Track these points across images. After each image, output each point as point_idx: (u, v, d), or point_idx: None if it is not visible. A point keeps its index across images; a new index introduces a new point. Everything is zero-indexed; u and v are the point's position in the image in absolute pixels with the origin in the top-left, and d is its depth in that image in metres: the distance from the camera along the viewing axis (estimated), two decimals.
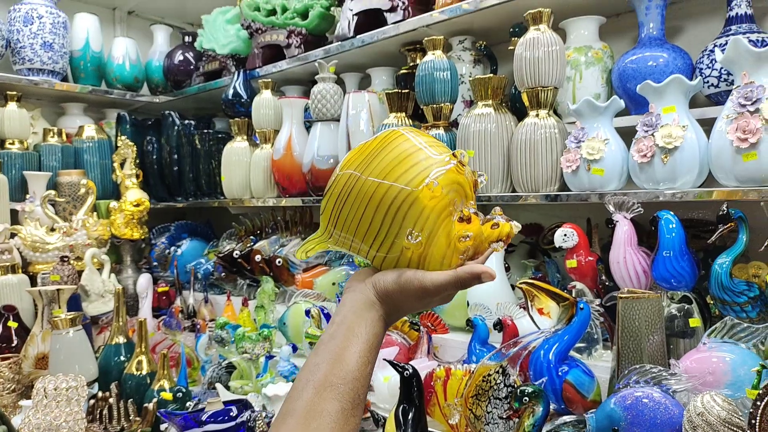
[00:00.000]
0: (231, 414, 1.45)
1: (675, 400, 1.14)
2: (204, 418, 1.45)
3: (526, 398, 1.25)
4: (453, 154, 0.79)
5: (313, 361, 0.70)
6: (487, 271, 0.72)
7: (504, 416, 1.32)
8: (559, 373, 1.34)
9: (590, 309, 1.39)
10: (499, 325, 1.54)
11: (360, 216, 0.77)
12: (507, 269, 1.75)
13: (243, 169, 2.59)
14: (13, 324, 2.24)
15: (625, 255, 1.42)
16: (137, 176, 2.89)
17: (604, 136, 1.49)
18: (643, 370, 1.18)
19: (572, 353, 1.43)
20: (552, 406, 1.36)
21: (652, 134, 1.38)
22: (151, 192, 3.07)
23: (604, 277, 1.50)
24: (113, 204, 2.85)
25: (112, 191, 3.01)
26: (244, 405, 1.50)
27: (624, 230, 1.44)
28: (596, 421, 1.19)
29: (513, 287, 1.77)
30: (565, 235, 1.52)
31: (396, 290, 0.74)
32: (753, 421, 1.05)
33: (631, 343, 1.28)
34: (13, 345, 2.22)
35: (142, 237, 2.87)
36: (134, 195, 2.82)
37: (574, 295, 1.45)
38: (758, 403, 1.05)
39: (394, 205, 0.74)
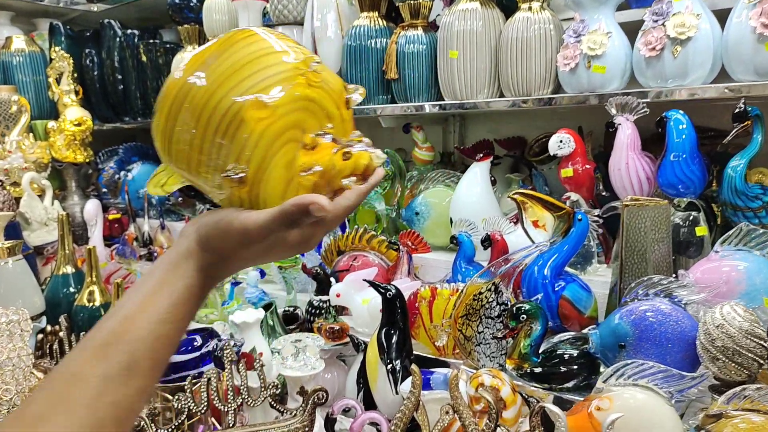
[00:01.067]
0: (195, 344, 1.31)
1: (687, 313, 1.05)
2: None
3: (523, 316, 1.15)
4: (307, 60, 0.61)
5: (104, 316, 0.59)
6: (315, 201, 0.55)
7: (498, 336, 1.22)
8: (555, 289, 1.24)
9: (589, 219, 1.27)
10: (488, 241, 1.42)
11: (189, 139, 0.59)
12: (493, 183, 1.62)
13: None
14: None
15: (628, 160, 1.29)
16: (76, 92, 2.59)
17: (607, 29, 1.33)
18: (651, 282, 1.08)
19: (566, 269, 1.32)
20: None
21: (663, 24, 1.22)
22: (94, 112, 2.77)
23: (601, 187, 1.38)
24: (51, 124, 2.57)
25: (50, 111, 2.71)
26: (209, 334, 1.37)
27: (627, 134, 1.31)
28: (600, 338, 1.10)
29: (499, 202, 1.65)
30: (561, 141, 1.39)
31: (216, 234, 0.59)
32: None
33: (636, 254, 1.18)
34: None
35: (87, 160, 2.62)
36: (74, 113, 2.54)
37: (569, 205, 1.33)
38: None
39: (221, 126, 0.58)
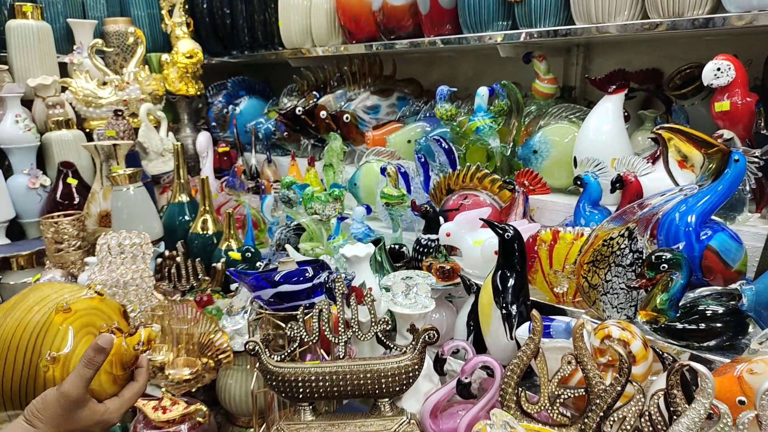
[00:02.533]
0: (306, 275, 1.31)
1: None
2: (277, 278, 1.31)
3: (664, 265, 1.03)
4: (90, 286, 1.00)
5: None
6: (102, 338, 0.79)
7: (632, 285, 1.11)
8: (701, 238, 1.10)
9: (746, 160, 1.10)
10: (620, 182, 1.28)
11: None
12: (626, 119, 1.45)
13: (302, 11, 2.28)
14: (72, 181, 2.15)
15: None
16: (188, 25, 2.63)
17: None
18: None
19: (714, 217, 1.17)
20: None
21: None
22: (204, 46, 2.81)
23: (763, 124, 1.19)
24: (165, 57, 2.64)
25: (163, 44, 2.78)
26: (320, 266, 1.35)
27: None
28: (756, 295, 0.96)
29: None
30: (719, 69, 1.20)
31: (42, 406, 0.73)
32: None
33: None
34: (75, 202, 2.15)
35: (198, 93, 2.68)
36: (186, 46, 2.58)
37: (721, 143, 1.16)
38: None
39: (33, 335, 0.86)
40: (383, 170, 1.74)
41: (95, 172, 2.13)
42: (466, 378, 1.17)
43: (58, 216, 2.00)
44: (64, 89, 2.38)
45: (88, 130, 2.39)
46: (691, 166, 1.15)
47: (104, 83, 2.43)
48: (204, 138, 2.43)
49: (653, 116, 1.57)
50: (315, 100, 2.27)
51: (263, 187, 2.22)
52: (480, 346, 1.30)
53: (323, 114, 2.19)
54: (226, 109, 2.76)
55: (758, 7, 1.16)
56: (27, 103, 2.31)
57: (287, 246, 1.80)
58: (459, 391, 1.19)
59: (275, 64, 2.68)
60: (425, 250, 1.53)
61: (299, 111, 2.26)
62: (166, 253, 1.94)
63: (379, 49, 2.05)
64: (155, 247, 1.94)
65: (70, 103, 2.37)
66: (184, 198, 2.09)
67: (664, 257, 1.03)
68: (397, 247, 1.65)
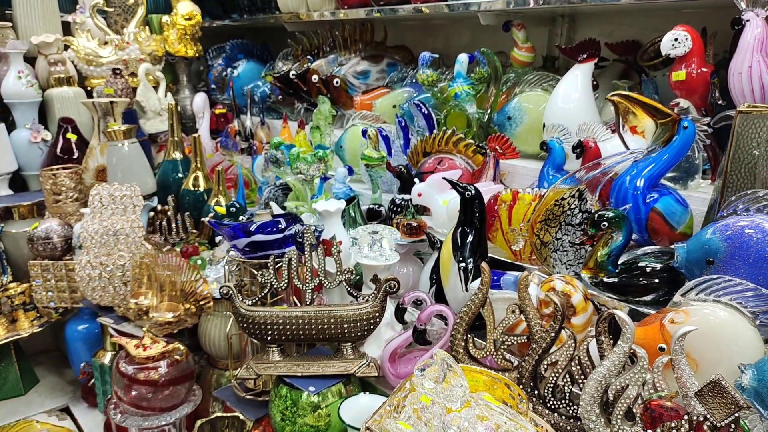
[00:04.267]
0: (279, 226, 1.38)
1: None
2: (252, 228, 1.39)
3: (605, 223, 1.09)
4: None
5: None
6: None
7: (576, 242, 1.17)
8: (647, 200, 1.16)
9: (695, 128, 1.15)
10: (580, 147, 1.34)
11: None
12: (595, 87, 1.50)
13: None
14: (72, 136, 2.23)
15: (752, 63, 1.14)
16: None
17: None
18: (756, 196, 0.98)
19: (664, 182, 1.22)
20: (633, 236, 1.19)
21: None
22: (204, 9, 2.85)
23: (717, 95, 1.23)
24: (165, 18, 2.69)
25: (164, 6, 2.82)
26: (292, 218, 1.43)
27: (754, 33, 1.15)
28: (687, 252, 1.03)
29: (599, 110, 1.53)
30: (676, 39, 1.24)
31: None
32: None
33: (743, 167, 1.06)
34: (75, 157, 2.24)
35: (197, 55, 2.73)
36: (185, 8, 2.63)
37: (676, 113, 1.21)
38: None
39: None
40: (364, 133, 1.80)
41: (94, 128, 2.21)
42: (421, 325, 1.25)
43: (57, 169, 2.09)
44: (66, 47, 2.45)
45: (89, 88, 2.47)
46: (642, 132, 1.20)
47: (105, 43, 2.49)
48: (200, 99, 2.50)
49: (625, 86, 1.61)
50: (308, 64, 2.33)
51: (255, 148, 2.29)
52: (441, 298, 1.38)
53: (315, 78, 2.24)
54: (225, 71, 2.82)
55: None
56: (30, 60, 2.38)
57: (271, 203, 1.88)
58: (415, 337, 1.27)
59: (273, 28, 2.72)
60: (398, 209, 1.60)
61: (292, 75, 2.32)
62: (158, 207, 2.03)
63: (370, 15, 2.09)
64: (148, 201, 2.03)
65: (72, 61, 2.44)
66: (178, 155, 2.16)
67: (605, 216, 1.09)
68: (375, 207, 1.72)
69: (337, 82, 2.19)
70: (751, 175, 1.06)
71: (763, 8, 1.13)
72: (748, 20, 1.15)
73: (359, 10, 2.14)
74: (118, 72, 2.34)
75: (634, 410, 0.88)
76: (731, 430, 0.73)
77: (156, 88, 2.54)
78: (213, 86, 2.87)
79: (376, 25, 2.35)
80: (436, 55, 1.85)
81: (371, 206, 1.71)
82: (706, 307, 0.93)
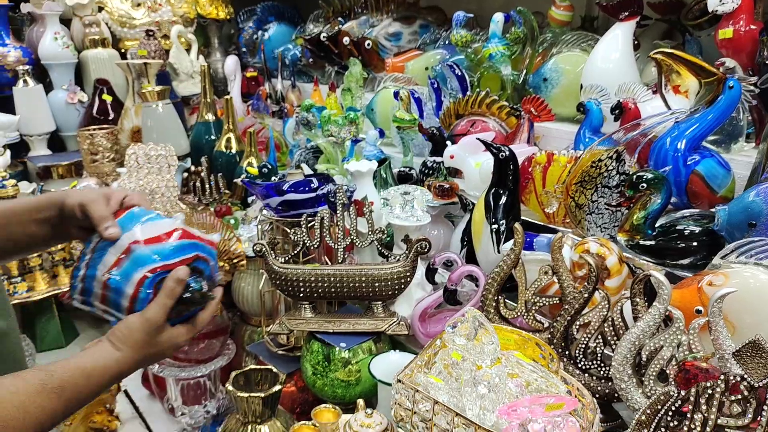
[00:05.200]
0: (312, 185, 1.39)
1: None
2: (285, 187, 1.40)
3: (644, 185, 1.07)
4: None
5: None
6: (179, 270, 0.79)
7: (613, 204, 1.15)
8: (688, 162, 1.13)
9: (741, 88, 1.11)
10: (619, 108, 1.30)
11: None
12: (636, 47, 1.45)
13: None
14: (107, 97, 2.27)
15: None
16: None
17: None
18: None
19: (707, 144, 1.19)
20: (672, 200, 1.17)
21: None
22: None
23: (766, 53, 1.18)
24: None
25: None
26: (325, 178, 1.44)
27: None
28: (729, 215, 1.00)
29: (640, 71, 1.49)
30: None
31: (127, 332, 0.78)
32: None
33: None
34: (110, 118, 2.27)
35: (228, 17, 2.73)
36: None
37: (722, 72, 1.17)
38: None
39: None
40: (396, 94, 1.78)
41: (128, 90, 2.24)
42: (452, 285, 1.26)
43: (94, 130, 2.13)
44: (100, 9, 2.46)
45: (122, 50, 2.49)
46: (685, 91, 1.16)
47: (138, 4, 2.50)
48: (232, 62, 2.50)
49: (667, 46, 1.55)
50: (339, 26, 2.30)
51: (286, 111, 2.29)
52: (472, 260, 1.38)
53: (346, 40, 2.22)
54: (256, 34, 2.81)
55: None
56: (65, 22, 2.41)
57: (302, 165, 1.89)
58: (446, 297, 1.28)
59: None
60: (430, 172, 1.59)
61: (323, 37, 2.30)
62: (192, 168, 2.06)
63: None
64: (181, 162, 2.06)
65: (106, 23, 2.46)
66: (210, 117, 2.18)
67: (644, 177, 1.06)
68: (406, 170, 1.71)
69: (368, 44, 2.17)
70: None
71: None
72: None
73: None
74: (151, 33, 2.35)
75: (667, 371, 0.87)
76: None
77: (188, 50, 2.55)
78: (244, 49, 2.87)
79: None
80: (471, 15, 1.81)
81: (402, 169, 1.71)
82: (746, 270, 0.91)
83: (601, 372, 1.02)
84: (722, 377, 0.78)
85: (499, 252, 1.28)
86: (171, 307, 0.79)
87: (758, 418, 0.72)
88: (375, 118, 2.03)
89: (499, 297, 1.17)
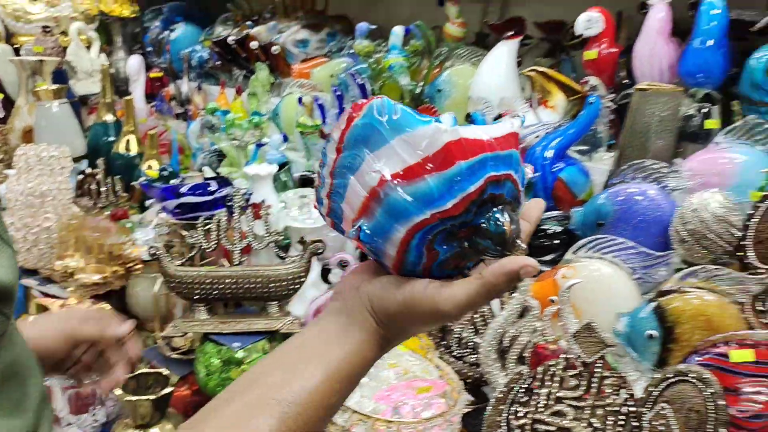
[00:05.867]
0: (209, 188, 1.41)
1: (671, 199, 1.06)
2: (182, 190, 1.41)
3: None
4: None
5: (264, 365, 0.53)
6: (527, 263, 0.47)
7: None
8: (554, 170, 1.26)
9: (600, 104, 1.25)
10: (499, 119, 1.42)
11: None
12: (519, 64, 1.58)
13: None
14: None
15: (654, 47, 1.24)
16: None
17: None
18: (642, 165, 1.08)
19: (573, 153, 1.32)
20: None
21: None
22: None
23: (623, 74, 1.34)
24: None
25: None
26: (223, 181, 1.46)
27: (659, 17, 1.24)
28: (583, 216, 1.13)
29: (523, 86, 1.62)
30: (589, 20, 1.33)
31: (401, 313, 0.52)
32: (748, 223, 0.97)
33: (637, 140, 1.17)
34: (0, 117, 2.17)
35: (133, 15, 2.66)
36: None
37: (587, 89, 1.31)
38: (758, 204, 0.97)
39: None
40: (300, 100, 1.83)
41: (21, 88, 2.14)
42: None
43: None
44: None
45: (16, 46, 2.38)
46: (553, 106, 1.29)
47: None
48: (135, 61, 2.44)
49: (547, 63, 1.70)
50: (248, 30, 2.32)
51: (190, 113, 2.28)
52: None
53: (254, 44, 2.24)
54: (162, 34, 2.76)
55: None
56: None
57: (204, 168, 1.89)
58: (323, 278, 1.34)
59: None
60: None
61: (231, 41, 2.31)
62: (88, 170, 2.00)
63: None
64: (77, 164, 2.00)
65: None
66: (110, 118, 2.13)
67: None
68: (308, 173, 1.76)
69: (276, 50, 2.20)
70: (644, 148, 1.17)
71: None
72: (652, 5, 1.25)
73: None
74: (48, 30, 2.27)
75: (524, 355, 0.98)
76: (599, 365, 0.84)
77: (88, 48, 2.48)
78: (149, 49, 2.80)
79: None
80: (374, 27, 1.89)
81: (304, 173, 1.75)
82: (592, 264, 1.04)
83: (472, 359, 1.12)
84: (563, 356, 0.88)
85: None
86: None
87: (589, 390, 0.83)
88: (280, 122, 2.06)
89: None
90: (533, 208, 0.56)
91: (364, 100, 0.51)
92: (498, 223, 0.48)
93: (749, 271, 0.97)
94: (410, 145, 0.47)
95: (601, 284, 1.01)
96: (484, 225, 0.48)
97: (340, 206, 0.51)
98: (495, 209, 0.48)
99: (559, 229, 1.19)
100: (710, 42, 1.15)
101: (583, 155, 1.39)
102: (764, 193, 0.97)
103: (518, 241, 0.48)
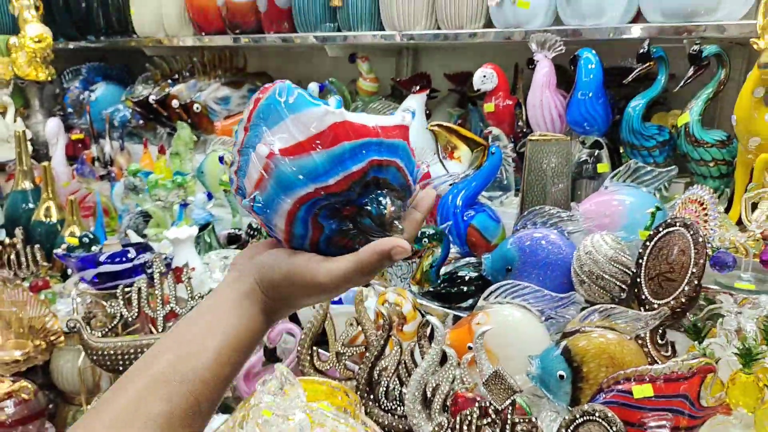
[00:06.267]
0: (128, 255, 1.40)
1: (570, 242, 1.14)
2: (101, 259, 1.39)
3: (426, 239, 1.24)
4: None
5: (157, 348, 0.54)
6: (397, 244, 0.51)
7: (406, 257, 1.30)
8: (465, 218, 1.32)
9: (502, 154, 1.34)
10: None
11: None
12: (428, 116, 1.66)
13: (154, 1, 2.31)
14: None
15: (542, 98, 1.34)
16: (37, 8, 2.56)
17: None
18: (542, 211, 1.16)
19: (482, 199, 1.40)
20: (456, 250, 1.35)
21: None
22: (59, 29, 2.75)
23: (521, 123, 1.44)
24: (13, 40, 2.56)
25: (11, 26, 2.69)
26: (143, 248, 1.45)
27: (544, 72, 1.35)
28: (492, 261, 1.19)
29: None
30: (485, 76, 1.43)
31: (283, 284, 0.55)
32: (640, 261, 1.06)
33: (537, 187, 1.25)
34: None
35: (49, 78, 2.62)
36: (35, 30, 2.52)
37: (489, 140, 1.39)
38: (647, 243, 1.05)
39: None
40: (221, 159, 1.85)
41: None
42: (271, 344, 1.33)
43: None
44: None
45: None
46: (458, 157, 1.36)
47: None
48: (53, 124, 2.40)
49: (456, 114, 1.80)
50: (169, 89, 2.33)
51: (114, 175, 2.25)
52: (293, 317, 1.46)
53: (175, 103, 2.26)
54: (83, 94, 2.73)
55: (514, 24, 1.40)
56: None
57: (129, 231, 1.87)
58: (267, 356, 1.34)
59: (132, 51, 2.68)
60: (255, 233, 1.66)
61: (152, 100, 2.31)
62: (6, 240, 1.93)
63: (228, 43, 2.15)
64: None
65: None
66: (28, 185, 2.07)
67: (426, 233, 1.23)
68: (235, 231, 1.77)
69: (197, 108, 2.22)
70: (543, 193, 1.25)
71: (549, 50, 1.34)
72: (538, 61, 1.36)
73: (225, 37, 2.18)
74: None
75: (447, 403, 1.02)
76: (510, 410, 0.88)
77: (3, 114, 2.41)
78: (70, 110, 2.76)
79: (236, 51, 2.40)
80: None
81: (231, 231, 1.76)
82: (504, 309, 1.09)
83: (400, 410, 1.14)
84: (477, 404, 0.93)
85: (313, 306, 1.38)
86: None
87: None
88: (205, 180, 2.06)
89: (313, 350, 1.26)
90: (424, 198, 0.58)
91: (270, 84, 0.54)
92: (380, 205, 0.51)
93: (646, 305, 1.05)
94: (302, 123, 0.50)
95: (513, 329, 1.07)
96: (367, 206, 0.51)
97: (243, 182, 0.53)
98: (379, 192, 0.52)
99: (474, 275, 1.24)
100: (590, 94, 1.26)
101: (494, 200, 1.47)
102: (650, 233, 1.06)
103: (397, 223, 0.52)
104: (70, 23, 2.77)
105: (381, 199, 0.52)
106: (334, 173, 0.50)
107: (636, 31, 1.22)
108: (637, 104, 1.23)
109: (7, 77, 2.51)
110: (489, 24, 1.50)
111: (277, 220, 0.52)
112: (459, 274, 1.27)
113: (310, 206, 0.51)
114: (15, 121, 2.44)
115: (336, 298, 1.33)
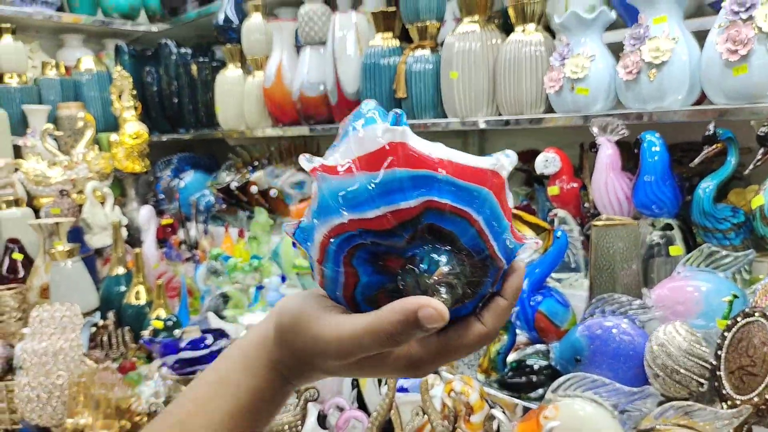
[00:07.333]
0: (206, 342, 1.48)
1: (642, 331, 1.10)
2: (182, 345, 1.48)
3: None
4: None
5: (182, 397, 0.50)
6: (429, 305, 0.38)
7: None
8: (532, 303, 1.31)
9: (567, 237, 1.32)
10: None
11: None
12: None
13: (237, 98, 2.53)
14: (18, 256, 2.31)
15: (607, 181, 1.33)
16: (135, 108, 2.86)
17: (591, 53, 1.37)
18: (612, 299, 1.13)
19: (551, 282, 1.38)
20: (525, 336, 1.33)
21: (639, 48, 1.26)
22: (153, 124, 3.05)
23: (587, 205, 1.42)
24: (113, 137, 2.85)
25: (115, 124, 3.00)
26: (221, 334, 1.53)
27: (607, 154, 1.35)
28: (560, 351, 1.16)
29: None
30: (546, 160, 1.44)
31: (291, 330, 0.45)
32: (719, 352, 1.00)
33: (605, 272, 1.22)
34: (20, 276, 2.30)
35: (144, 170, 2.88)
36: (133, 127, 2.81)
37: (555, 222, 1.39)
38: (725, 333, 1.00)
39: None
40: (295, 244, 1.93)
41: (40, 248, 2.29)
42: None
43: (1, 290, 2.15)
44: (15, 170, 2.57)
45: (37, 207, 2.57)
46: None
47: (54, 164, 2.62)
48: (146, 211, 2.61)
49: (523, 193, 1.80)
50: (249, 176, 2.50)
51: (198, 257, 2.40)
52: (361, 401, 1.47)
53: (254, 189, 2.41)
54: (173, 182, 2.97)
55: (573, 110, 1.41)
56: None
57: (209, 314, 1.97)
58: (320, 424, 1.35)
59: (217, 141, 2.92)
60: None
61: (233, 186, 2.48)
62: (100, 322, 2.09)
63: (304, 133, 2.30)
64: (90, 317, 2.09)
65: (22, 183, 2.56)
66: (121, 271, 2.25)
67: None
68: None
69: (274, 193, 2.35)
70: (612, 279, 1.22)
71: (611, 134, 1.34)
72: (600, 144, 1.36)
73: (301, 128, 2.34)
74: (64, 193, 2.46)
75: None
76: None
77: (103, 203, 2.66)
78: (162, 196, 3.01)
79: (310, 139, 2.55)
80: None
81: None
82: (575, 402, 1.06)
83: None
84: None
85: (380, 394, 1.38)
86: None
87: None
88: (280, 261, 2.16)
89: None
90: (511, 278, 0.45)
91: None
92: (431, 262, 0.39)
93: (728, 401, 0.98)
94: (359, 139, 0.40)
95: (585, 424, 1.02)
96: (415, 260, 0.40)
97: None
98: (436, 247, 0.39)
99: (543, 363, 1.21)
100: (655, 177, 1.24)
101: (562, 282, 1.44)
102: (728, 322, 1.00)
103: (442, 289, 0.39)
104: (164, 118, 3.07)
105: (434, 255, 0.39)
106: (375, 205, 0.39)
107: (697, 114, 1.21)
108: (707, 186, 1.19)
109: (107, 170, 2.78)
110: (549, 109, 1.53)
111: (312, 251, 0.43)
112: (527, 362, 1.24)
113: (342, 242, 0.40)
114: (113, 209, 2.68)
115: (399, 385, 1.33)
